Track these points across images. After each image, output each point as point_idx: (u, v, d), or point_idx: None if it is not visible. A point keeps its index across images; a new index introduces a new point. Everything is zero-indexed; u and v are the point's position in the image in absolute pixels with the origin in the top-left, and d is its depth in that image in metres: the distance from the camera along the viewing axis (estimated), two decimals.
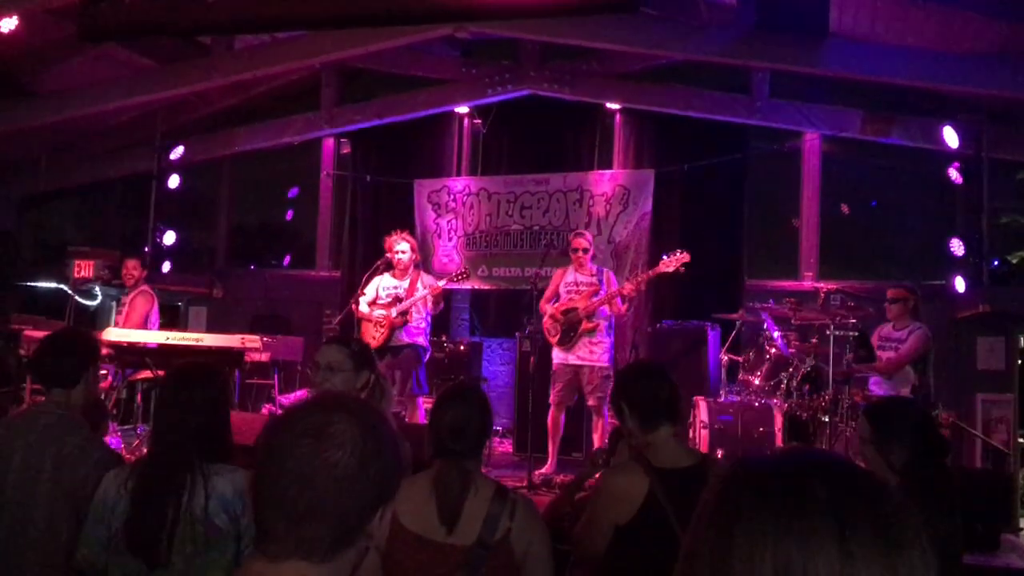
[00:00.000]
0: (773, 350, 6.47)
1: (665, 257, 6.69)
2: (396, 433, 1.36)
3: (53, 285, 9.27)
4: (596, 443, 6.41)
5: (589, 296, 6.54)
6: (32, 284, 9.67)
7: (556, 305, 6.63)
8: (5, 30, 7.06)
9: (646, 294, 8.34)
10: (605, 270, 6.90)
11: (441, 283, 6.90)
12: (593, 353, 6.47)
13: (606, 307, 6.50)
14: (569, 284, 6.67)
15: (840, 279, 7.90)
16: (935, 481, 2.68)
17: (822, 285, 7.73)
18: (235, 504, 2.46)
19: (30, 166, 10.05)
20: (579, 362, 6.48)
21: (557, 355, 6.60)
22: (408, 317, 6.79)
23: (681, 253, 6.51)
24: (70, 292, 8.82)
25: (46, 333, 4.25)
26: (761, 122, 8.12)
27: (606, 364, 6.51)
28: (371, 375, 3.16)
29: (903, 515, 0.83)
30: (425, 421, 6.76)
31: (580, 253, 6.65)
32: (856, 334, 6.09)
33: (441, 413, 2.61)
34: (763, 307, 6.69)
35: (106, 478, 2.59)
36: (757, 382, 6.45)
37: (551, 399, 6.54)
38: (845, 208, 8.37)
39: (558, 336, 6.54)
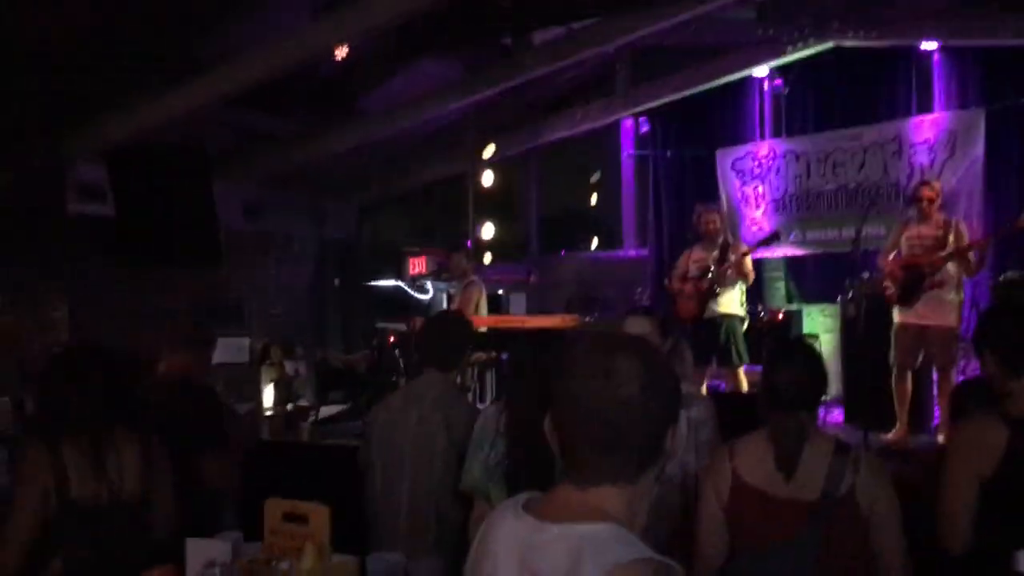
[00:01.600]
0: None
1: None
2: (668, 362, 1.52)
3: (392, 283, 10.26)
4: (942, 409, 5.98)
5: (935, 250, 6.06)
6: (373, 284, 10.77)
7: (896, 259, 6.23)
8: (339, 57, 8.00)
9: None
10: (955, 220, 6.36)
11: (745, 249, 6.85)
12: (939, 311, 6.00)
13: (955, 262, 6.02)
14: (912, 237, 6.21)
15: None
16: None
17: None
18: None
19: (363, 178, 11.22)
20: (922, 321, 6.04)
21: (897, 314, 6.20)
22: (719, 288, 6.77)
23: None
24: (407, 288, 9.77)
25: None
26: None
27: (954, 324, 6.05)
28: (674, 341, 3.39)
29: None
30: (748, 390, 6.77)
31: (925, 204, 6.16)
32: None
33: (776, 369, 2.63)
34: None
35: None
36: None
37: (892, 361, 6.15)
38: None
39: (898, 293, 6.14)
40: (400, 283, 9.91)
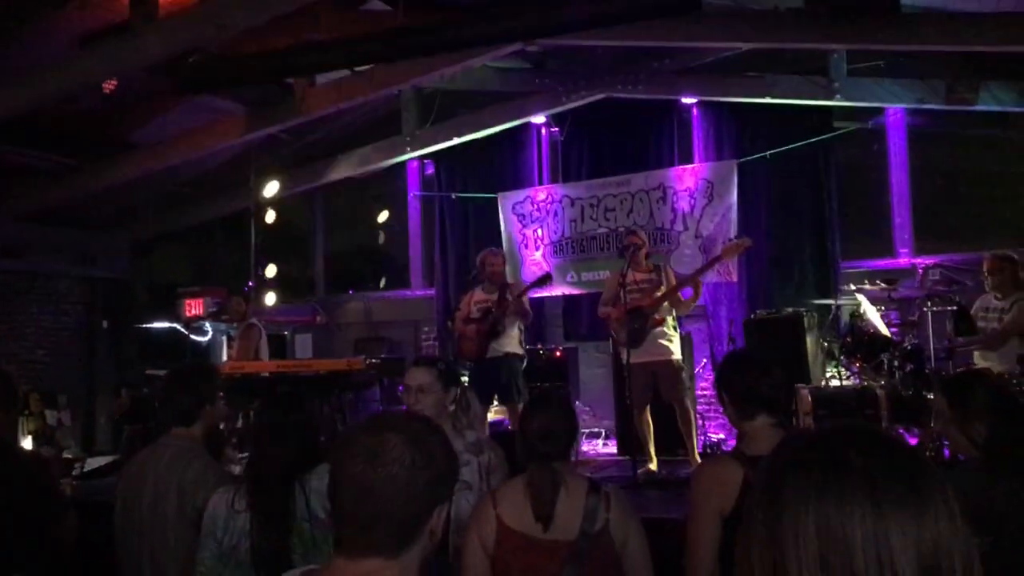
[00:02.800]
0: (871, 331, 6.44)
1: (724, 243, 6.76)
2: (446, 442, 1.57)
3: (167, 325, 9.80)
4: (686, 436, 6.46)
5: (651, 293, 6.54)
6: (148, 326, 10.24)
7: (620, 306, 6.54)
8: (106, 90, 7.64)
9: (739, 285, 8.40)
10: (663, 263, 6.94)
11: (521, 289, 7.07)
12: (664, 349, 6.46)
13: (669, 301, 6.51)
14: (630, 284, 6.58)
15: (937, 253, 7.79)
16: (1018, 454, 2.63)
17: (919, 261, 7.68)
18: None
19: (138, 214, 10.69)
20: (651, 359, 6.46)
21: (631, 356, 6.48)
22: (500, 328, 6.94)
23: (742, 239, 6.57)
24: (183, 330, 9.37)
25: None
26: (842, 102, 8.05)
27: (678, 357, 6.54)
28: (458, 391, 3.41)
29: (928, 473, 0.96)
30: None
31: (633, 251, 6.62)
32: (954, 308, 6.01)
33: (529, 419, 2.79)
34: (857, 289, 6.67)
35: (214, 497, 2.85)
36: (858, 365, 6.43)
37: (629, 400, 6.48)
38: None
39: (626, 337, 6.49)
40: (176, 325, 9.50)
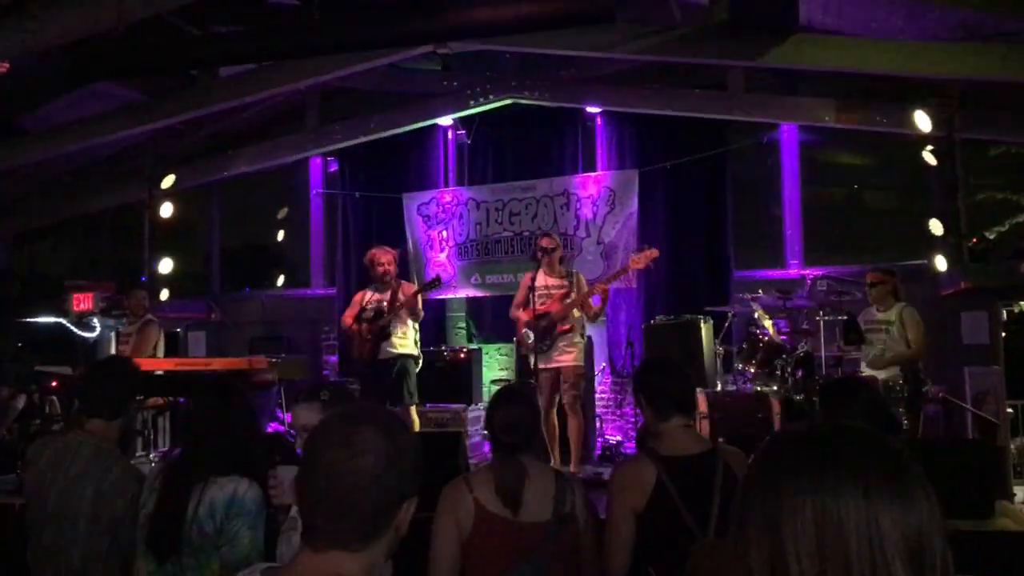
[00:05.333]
0: (765, 338, 6.68)
1: (634, 255, 6.91)
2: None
3: (51, 320, 9.35)
4: (573, 441, 6.58)
5: (561, 299, 6.62)
6: (29, 320, 9.75)
7: (528, 310, 6.63)
8: None
9: (638, 291, 8.58)
10: (575, 270, 7.01)
11: (414, 289, 6.99)
12: (569, 354, 6.57)
13: (579, 308, 6.59)
14: (540, 288, 6.66)
15: (825, 265, 8.15)
16: None
17: (808, 272, 8.00)
18: (220, 512, 2.66)
19: (22, 203, 10.17)
20: (557, 365, 6.57)
21: (538, 360, 6.63)
22: (391, 329, 6.84)
23: (649, 249, 6.73)
24: (70, 326, 8.95)
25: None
26: (739, 117, 8.34)
27: (581, 363, 6.66)
28: None
29: (909, 465, 1.07)
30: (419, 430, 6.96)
31: (542, 254, 6.68)
32: (844, 318, 6.30)
33: (495, 412, 2.94)
34: (752, 297, 6.91)
35: (152, 467, 2.87)
36: (752, 371, 6.66)
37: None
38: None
39: (534, 343, 6.58)
40: (62, 320, 9.06)
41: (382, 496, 1.47)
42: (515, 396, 3.08)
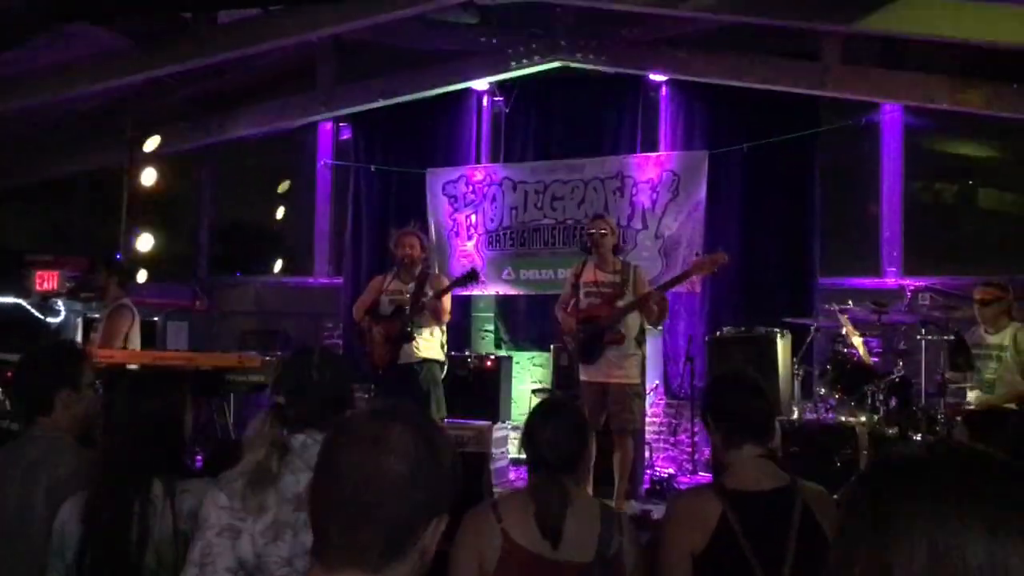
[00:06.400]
0: (854, 359, 6.62)
1: (698, 257, 6.77)
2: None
3: (10, 300, 9.46)
4: (618, 473, 6.42)
5: (611, 299, 6.47)
6: None
7: (574, 311, 6.54)
8: None
9: (702, 296, 8.54)
10: (633, 265, 6.84)
11: (445, 284, 6.93)
12: (620, 368, 6.43)
13: (637, 311, 6.44)
14: (588, 284, 6.55)
15: (930, 275, 8.05)
16: None
17: (908, 282, 7.92)
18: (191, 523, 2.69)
19: None
20: (605, 379, 6.44)
21: (581, 371, 6.56)
22: (415, 331, 6.78)
23: (718, 253, 6.57)
24: (30, 308, 9.06)
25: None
26: (832, 93, 8.25)
27: (635, 381, 6.54)
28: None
29: None
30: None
31: (598, 238, 6.54)
32: (951, 338, 6.22)
33: (539, 425, 2.96)
34: (840, 309, 6.84)
35: (63, 506, 2.81)
36: (836, 397, 6.59)
37: None
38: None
39: (579, 350, 6.51)
40: (21, 301, 9.18)
41: (407, 509, 1.47)
42: (563, 408, 3.09)
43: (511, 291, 9.31)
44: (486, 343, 9.60)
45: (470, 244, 9.43)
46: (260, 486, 2.45)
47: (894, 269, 8.40)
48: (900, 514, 1.05)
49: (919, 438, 5.92)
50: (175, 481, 2.80)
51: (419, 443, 1.49)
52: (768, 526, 2.79)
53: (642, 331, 6.62)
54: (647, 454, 7.87)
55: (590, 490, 6.47)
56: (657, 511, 6.29)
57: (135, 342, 7.60)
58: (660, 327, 7.53)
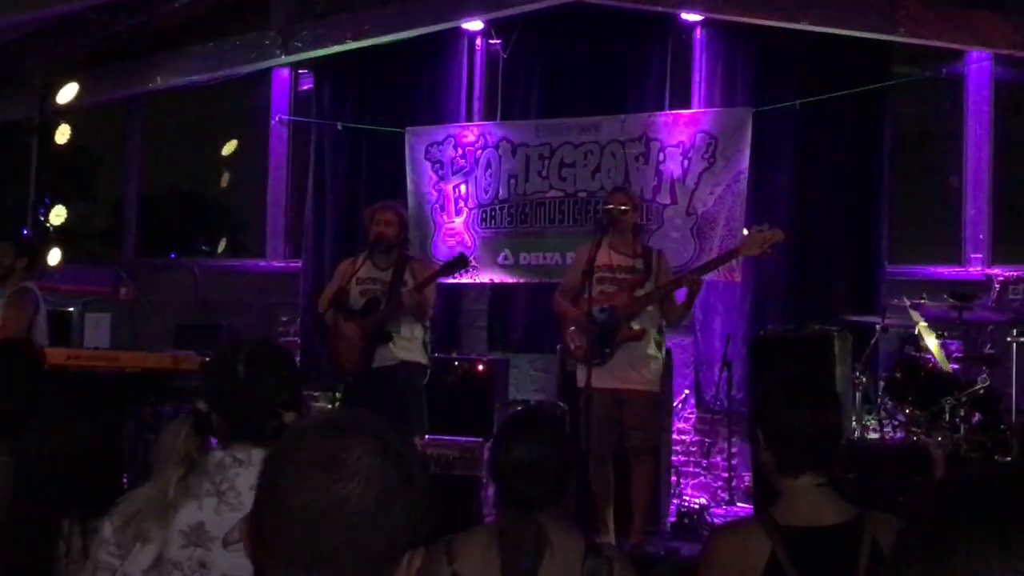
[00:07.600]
0: (929, 365, 6.59)
1: (747, 231, 6.74)
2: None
3: None
4: (637, 502, 6.42)
5: (630, 287, 6.46)
6: None
7: (583, 300, 6.40)
8: None
9: (743, 287, 8.51)
10: (655, 250, 6.85)
11: (431, 271, 6.93)
12: (639, 373, 6.41)
13: (655, 305, 6.47)
14: (602, 269, 6.49)
15: (1022, 263, 8.04)
16: None
17: (997, 272, 7.92)
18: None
19: None
20: (618, 384, 6.41)
21: (587, 376, 6.36)
22: (393, 328, 6.75)
23: (771, 230, 6.45)
24: None
25: None
26: (906, 39, 8.22)
27: (656, 389, 6.54)
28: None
29: None
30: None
31: (617, 214, 6.52)
32: None
33: (505, 447, 2.83)
34: (913, 304, 6.82)
35: None
36: (907, 411, 6.57)
37: (584, 441, 6.18)
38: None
39: (586, 348, 6.42)
40: None
41: (377, 542, 1.41)
42: (536, 424, 3.01)
43: (509, 279, 9.29)
44: (478, 344, 9.57)
45: (459, 221, 9.40)
46: (144, 515, 2.39)
47: (979, 256, 8.37)
48: (965, 540, 1.05)
49: (1008, 460, 5.90)
50: (91, 519, 2.73)
51: (386, 463, 1.43)
52: (829, 569, 2.75)
53: (660, 330, 6.61)
54: (673, 479, 7.86)
55: (610, 526, 6.52)
56: (686, 549, 6.27)
57: (42, 335, 7.56)
58: (686, 323, 7.48)
